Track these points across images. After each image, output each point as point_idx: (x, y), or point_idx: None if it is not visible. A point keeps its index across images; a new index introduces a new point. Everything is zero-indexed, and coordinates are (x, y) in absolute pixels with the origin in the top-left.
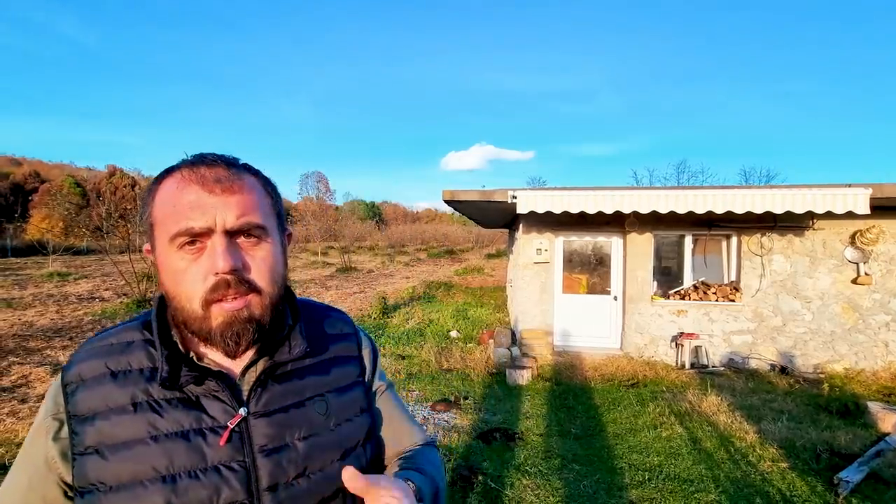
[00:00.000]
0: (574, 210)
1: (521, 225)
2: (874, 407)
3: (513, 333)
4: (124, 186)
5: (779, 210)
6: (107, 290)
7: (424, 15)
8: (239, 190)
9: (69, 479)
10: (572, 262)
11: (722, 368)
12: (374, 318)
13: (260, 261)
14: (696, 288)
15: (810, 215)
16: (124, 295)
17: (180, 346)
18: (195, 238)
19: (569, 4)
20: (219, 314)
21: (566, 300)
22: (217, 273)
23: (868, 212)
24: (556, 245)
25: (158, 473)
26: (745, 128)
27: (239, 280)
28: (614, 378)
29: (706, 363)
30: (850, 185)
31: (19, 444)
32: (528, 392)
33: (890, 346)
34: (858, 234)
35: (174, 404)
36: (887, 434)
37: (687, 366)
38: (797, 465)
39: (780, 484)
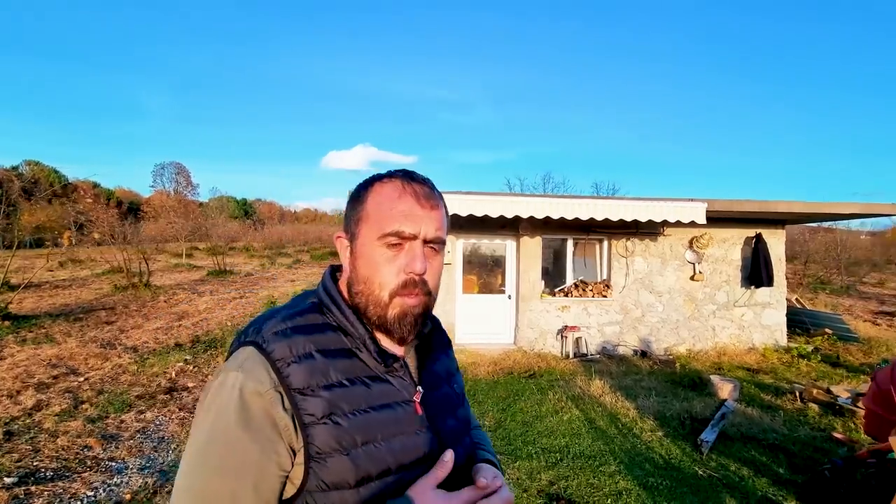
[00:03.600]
0: (479, 213)
1: None
2: (714, 378)
3: None
4: None
5: (643, 218)
6: None
7: (307, 10)
8: (437, 208)
9: (297, 445)
10: (471, 263)
11: (598, 356)
12: None
13: (435, 268)
14: (576, 286)
15: (664, 223)
16: None
17: (371, 334)
18: (401, 240)
19: (451, 19)
20: (398, 305)
21: (466, 300)
22: (410, 273)
23: (705, 222)
24: (457, 247)
25: (384, 435)
26: (596, 147)
27: (422, 282)
28: (513, 371)
29: (586, 352)
30: (692, 200)
31: None
32: None
33: (716, 330)
34: (695, 240)
35: (374, 381)
36: (725, 400)
37: (571, 355)
38: (669, 432)
39: (660, 450)
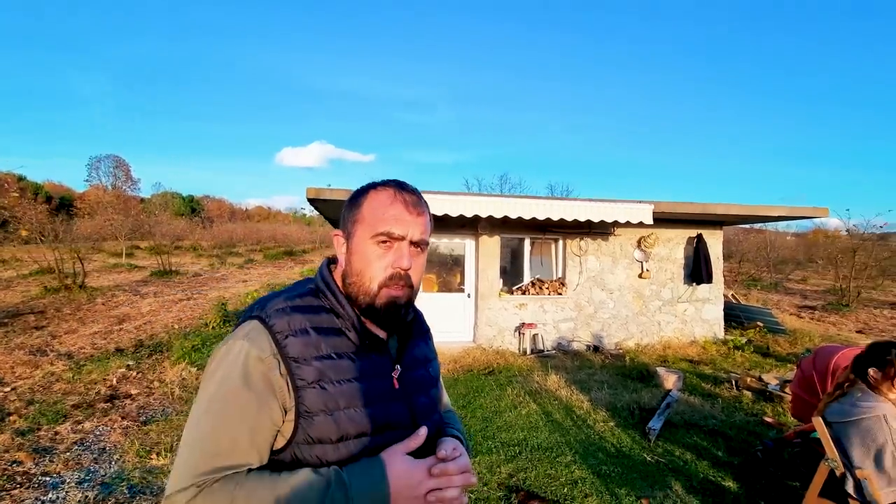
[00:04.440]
0: (440, 212)
1: None
2: (660, 370)
3: None
4: None
5: (596, 219)
6: None
7: (262, 1)
8: (423, 215)
9: (289, 405)
10: (431, 262)
11: (553, 352)
12: (215, 328)
13: (418, 266)
14: (533, 284)
15: (615, 224)
16: None
17: (359, 318)
18: (390, 240)
19: (410, 18)
20: (384, 296)
21: (426, 298)
22: (397, 268)
23: (652, 222)
24: None
25: (365, 400)
26: (550, 149)
27: (406, 276)
28: (473, 368)
29: (542, 348)
30: (640, 202)
31: None
32: None
33: (662, 325)
34: (643, 239)
35: (360, 356)
36: (670, 390)
37: (528, 352)
38: (620, 422)
39: (612, 439)
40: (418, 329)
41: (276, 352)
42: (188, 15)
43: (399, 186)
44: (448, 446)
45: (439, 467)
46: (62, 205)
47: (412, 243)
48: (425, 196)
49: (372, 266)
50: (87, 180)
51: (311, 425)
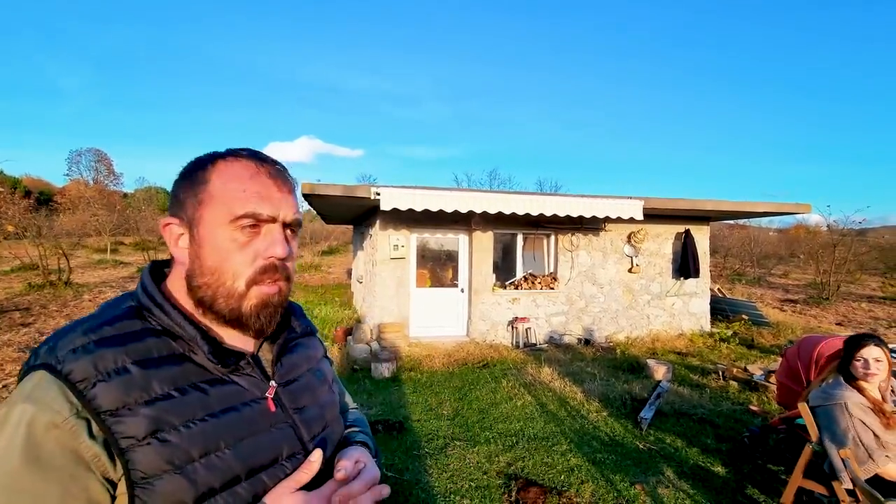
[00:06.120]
0: (434, 208)
1: (378, 221)
2: (650, 362)
3: (369, 329)
4: None
5: (588, 214)
6: None
7: None
8: (292, 191)
9: (115, 476)
10: (425, 257)
11: (546, 345)
12: None
13: (294, 253)
14: (526, 279)
15: (606, 219)
16: None
17: (204, 333)
18: (258, 223)
19: (399, 10)
20: (255, 296)
21: (420, 293)
22: (270, 258)
23: (642, 218)
24: (411, 241)
25: (228, 442)
26: (540, 145)
27: (283, 267)
28: (467, 362)
29: (535, 342)
30: (630, 198)
31: None
32: (396, 383)
33: (651, 318)
34: (632, 235)
35: (213, 384)
36: (660, 381)
37: (521, 345)
38: (613, 412)
39: (605, 429)
40: (293, 327)
41: (81, 408)
42: (171, 3)
43: (256, 156)
44: (347, 462)
45: (341, 492)
46: (41, 200)
47: (285, 225)
48: (422, 192)
49: (233, 259)
50: (66, 174)
51: (152, 494)
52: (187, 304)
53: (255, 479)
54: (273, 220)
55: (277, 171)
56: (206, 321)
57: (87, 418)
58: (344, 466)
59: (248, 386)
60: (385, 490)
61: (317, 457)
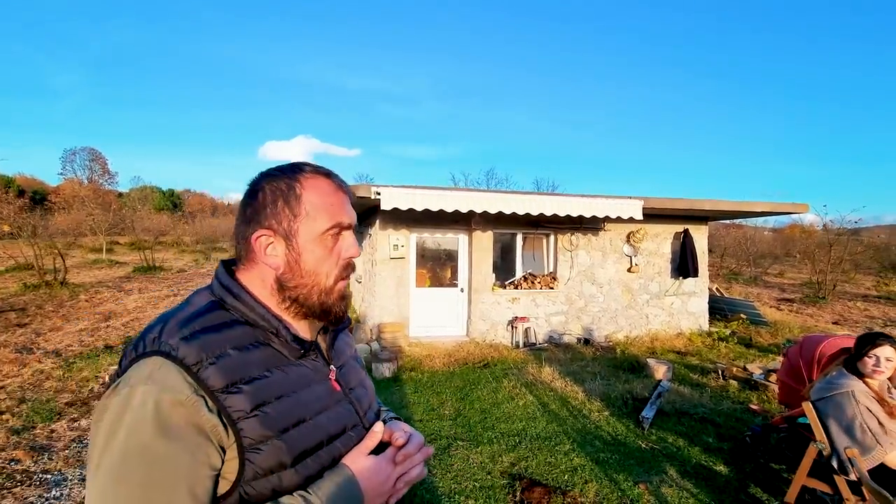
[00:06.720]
0: (434, 208)
1: (377, 221)
2: (651, 361)
3: (369, 329)
4: None
5: (588, 214)
6: None
7: None
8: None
9: (227, 444)
10: (424, 257)
11: (545, 345)
12: None
13: None
14: (525, 278)
15: (606, 219)
16: None
17: (284, 324)
18: (341, 230)
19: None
20: (338, 290)
21: (419, 293)
22: (350, 257)
23: (642, 218)
24: (411, 241)
25: (311, 415)
26: (537, 144)
27: (353, 264)
28: (468, 361)
29: (534, 341)
30: (629, 197)
31: None
32: (397, 383)
33: (650, 318)
34: (631, 234)
35: (290, 367)
36: (660, 380)
37: (521, 345)
38: (614, 411)
39: (607, 428)
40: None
41: (198, 387)
42: (168, 1)
43: (326, 172)
44: (400, 433)
45: (402, 453)
46: (35, 199)
47: (350, 228)
48: (422, 192)
49: (327, 261)
50: (61, 173)
51: (260, 456)
52: (266, 299)
53: (331, 446)
54: (350, 226)
55: (344, 184)
56: (279, 313)
57: (203, 396)
58: (397, 434)
59: (314, 369)
60: (430, 450)
61: (379, 428)
